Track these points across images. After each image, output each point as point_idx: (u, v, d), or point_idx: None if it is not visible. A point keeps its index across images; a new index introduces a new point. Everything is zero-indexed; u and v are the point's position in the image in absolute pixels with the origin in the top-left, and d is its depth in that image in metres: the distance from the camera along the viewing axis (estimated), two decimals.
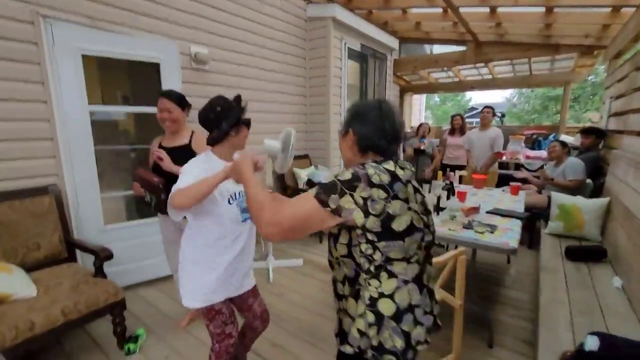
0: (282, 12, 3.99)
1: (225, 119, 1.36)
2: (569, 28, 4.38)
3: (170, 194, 1.22)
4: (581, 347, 1.11)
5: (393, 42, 5.48)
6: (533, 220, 3.45)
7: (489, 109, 4.24)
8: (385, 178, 0.87)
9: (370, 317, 0.87)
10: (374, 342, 0.86)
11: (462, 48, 5.58)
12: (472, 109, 23.58)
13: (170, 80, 2.86)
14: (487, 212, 2.44)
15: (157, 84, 2.81)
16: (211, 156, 1.41)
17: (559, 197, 2.91)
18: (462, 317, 1.87)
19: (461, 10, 4.14)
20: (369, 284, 0.88)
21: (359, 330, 0.88)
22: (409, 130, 7.76)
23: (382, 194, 0.85)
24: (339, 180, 0.86)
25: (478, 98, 25.37)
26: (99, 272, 2.03)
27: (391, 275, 0.88)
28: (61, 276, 1.98)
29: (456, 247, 2.48)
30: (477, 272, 3.02)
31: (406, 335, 0.86)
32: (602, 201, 2.76)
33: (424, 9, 5.13)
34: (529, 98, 19.21)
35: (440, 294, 1.85)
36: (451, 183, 2.78)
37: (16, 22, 2.08)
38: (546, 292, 1.94)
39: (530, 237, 3.66)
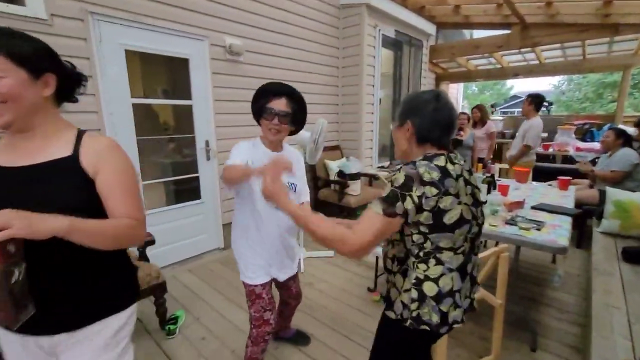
0: (316, 0, 3.92)
1: (252, 105, 1.43)
2: (632, 5, 3.92)
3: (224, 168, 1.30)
4: None
5: (430, 28, 5.24)
6: (583, 217, 3.18)
7: (529, 97, 3.90)
8: (436, 175, 0.91)
9: (414, 294, 0.97)
10: (414, 314, 0.97)
11: (506, 32, 5.20)
12: (514, 97, 22.11)
13: (199, 74, 2.97)
14: (532, 208, 2.28)
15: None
16: (257, 143, 1.46)
17: (614, 193, 2.65)
18: (503, 317, 1.78)
19: None
20: (417, 267, 0.97)
21: (402, 302, 1.00)
22: None
23: (434, 191, 0.90)
24: (396, 187, 0.91)
25: (521, 86, 23.73)
26: (142, 256, 2.15)
27: (439, 262, 0.96)
28: None
29: (497, 243, 2.35)
30: (520, 270, 2.86)
31: (443, 314, 0.96)
32: None
33: None
34: (580, 85, 17.66)
35: (479, 292, 1.76)
36: (492, 176, 2.63)
37: (67, 19, 2.21)
38: (599, 296, 1.78)
39: (580, 236, 3.39)
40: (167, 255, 3.00)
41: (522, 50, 5.68)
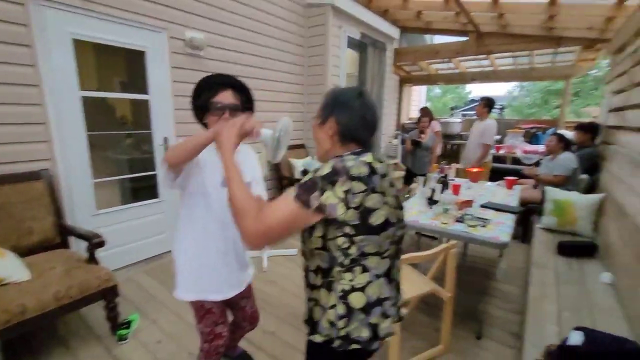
0: None
1: (196, 99, 1.30)
2: (573, 20, 4.31)
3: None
4: (565, 342, 1.12)
5: (394, 32, 5.40)
6: (528, 215, 3.47)
7: (482, 100, 4.21)
8: (364, 170, 0.85)
9: (341, 309, 0.88)
10: (342, 333, 0.88)
11: (463, 39, 5.50)
12: (472, 101, 23.42)
13: (156, 68, 2.85)
14: (481, 206, 2.45)
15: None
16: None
17: (553, 192, 2.92)
18: (452, 309, 1.90)
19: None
20: (343, 277, 0.88)
21: (329, 321, 0.89)
22: (407, 122, 7.72)
23: (362, 187, 0.84)
24: (318, 176, 0.84)
25: (479, 90, 25.16)
26: (92, 258, 2.03)
27: (365, 269, 0.88)
28: (54, 261, 1.99)
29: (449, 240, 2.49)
30: (469, 265, 3.05)
31: (373, 327, 0.89)
32: (595, 197, 2.76)
33: None
34: (529, 91, 19.08)
35: (430, 285, 1.88)
36: (445, 176, 2.78)
37: (5, 2, 2.03)
38: (535, 287, 1.96)
39: (525, 232, 3.68)
40: (122, 256, 2.86)
41: (478, 56, 6.04)
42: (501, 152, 5.39)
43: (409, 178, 4.43)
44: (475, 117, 4.77)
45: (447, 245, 1.82)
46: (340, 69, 4.46)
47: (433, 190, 2.44)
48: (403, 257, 1.13)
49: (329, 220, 0.85)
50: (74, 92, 2.38)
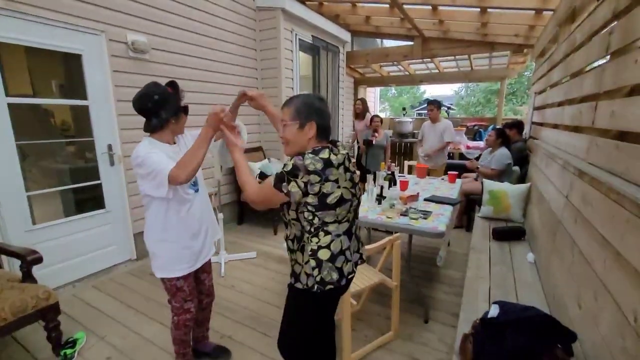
0: (229, 0, 3.88)
1: (163, 108, 1.39)
2: (502, 27, 4.75)
3: (167, 174, 1.30)
4: (485, 315, 1.28)
5: (345, 35, 5.57)
6: (472, 205, 3.77)
7: (432, 104, 4.53)
8: (319, 166, 1.11)
9: (313, 263, 1.17)
10: (318, 279, 1.16)
11: (410, 43, 5.83)
12: (427, 100, 24.73)
13: (95, 72, 2.73)
14: (425, 200, 2.64)
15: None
16: (154, 142, 1.44)
17: (489, 184, 3.21)
18: (399, 296, 2.04)
19: (405, 7, 4.31)
20: (311, 241, 1.17)
21: (306, 273, 1.19)
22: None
23: (317, 179, 1.10)
24: (284, 171, 1.12)
25: (432, 91, 26.57)
26: (27, 277, 1.90)
27: (327, 233, 1.17)
28: None
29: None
30: (416, 254, 3.26)
31: (340, 270, 1.19)
32: (524, 186, 3.09)
33: (373, 4, 5.27)
34: (474, 92, 20.53)
35: (378, 276, 2.00)
36: (392, 173, 2.94)
37: None
38: (472, 270, 2.16)
39: (469, 221, 4.00)
40: (67, 272, 2.68)
41: (424, 60, 6.43)
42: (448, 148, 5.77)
43: (363, 176, 4.60)
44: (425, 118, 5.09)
45: (391, 237, 1.95)
46: (294, 72, 4.53)
47: (382, 187, 2.59)
48: None
49: (299, 204, 1.14)
50: None
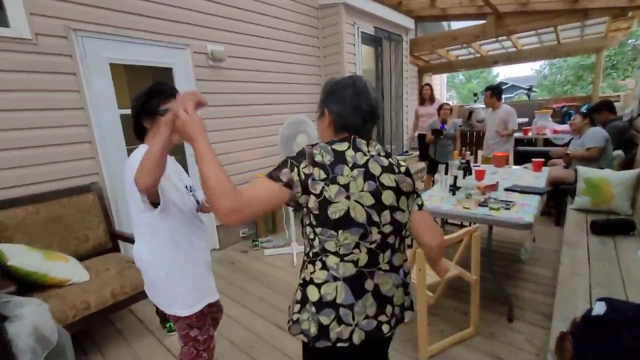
0: (293, 2, 4.03)
1: (138, 112, 1.27)
2: None
3: (134, 179, 1.05)
4: (588, 312, 1.14)
5: (408, 22, 5.37)
6: (562, 196, 3.34)
7: (489, 90, 4.15)
8: (328, 158, 0.85)
9: (299, 295, 0.92)
10: (294, 318, 0.91)
11: (482, 22, 5.36)
12: (502, 83, 22.44)
13: (183, 82, 3.06)
14: (505, 190, 2.43)
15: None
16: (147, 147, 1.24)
17: (585, 171, 2.82)
18: (479, 291, 1.92)
19: None
20: (307, 267, 0.91)
21: (293, 300, 0.95)
22: None
23: (322, 174, 0.83)
24: (288, 157, 0.87)
25: (506, 72, 24.02)
26: None
27: (324, 266, 0.87)
28: (108, 263, 2.23)
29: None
30: (496, 249, 3.01)
31: (323, 327, 0.86)
32: (632, 173, 2.64)
33: None
34: (560, 69, 18.00)
35: (456, 270, 1.91)
36: (467, 162, 2.77)
37: (52, 37, 2.29)
38: (566, 265, 1.94)
39: (558, 214, 3.56)
40: None
41: (499, 38, 5.86)
42: (530, 134, 5.19)
43: (433, 168, 4.40)
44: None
45: (470, 228, 1.84)
46: (357, 66, 4.52)
47: (455, 177, 2.46)
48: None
49: (301, 206, 0.87)
50: (113, 111, 2.64)
